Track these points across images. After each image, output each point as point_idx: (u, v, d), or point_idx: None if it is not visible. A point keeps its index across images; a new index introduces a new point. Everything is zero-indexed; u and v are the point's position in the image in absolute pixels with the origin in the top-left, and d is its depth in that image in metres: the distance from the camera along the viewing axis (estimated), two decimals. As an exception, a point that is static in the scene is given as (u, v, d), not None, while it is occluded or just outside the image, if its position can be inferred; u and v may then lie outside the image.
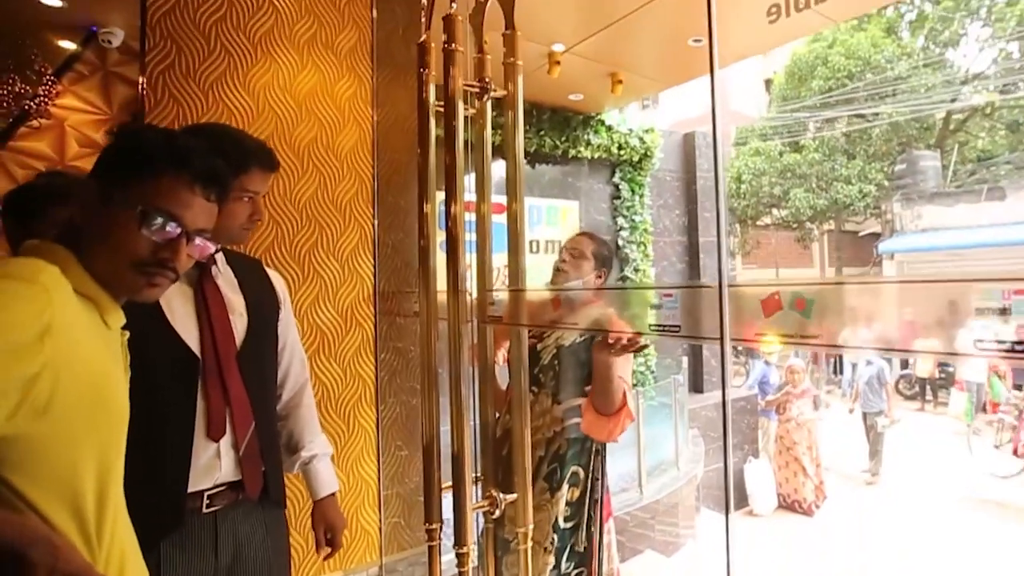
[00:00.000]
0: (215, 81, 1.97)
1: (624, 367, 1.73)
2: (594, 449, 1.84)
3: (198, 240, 0.90)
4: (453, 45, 1.53)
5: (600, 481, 1.85)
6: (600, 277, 1.88)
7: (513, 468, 1.58)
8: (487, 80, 1.56)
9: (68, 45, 2.07)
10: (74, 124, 2.04)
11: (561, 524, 1.78)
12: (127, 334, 0.92)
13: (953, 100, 13.66)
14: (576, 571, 1.81)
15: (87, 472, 0.77)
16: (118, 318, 0.88)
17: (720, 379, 5.93)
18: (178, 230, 0.87)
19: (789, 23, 3.15)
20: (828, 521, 5.17)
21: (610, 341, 1.46)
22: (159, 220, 0.85)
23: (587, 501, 1.82)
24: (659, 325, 1.18)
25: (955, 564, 3.99)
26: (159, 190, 0.86)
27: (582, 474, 1.81)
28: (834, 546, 4.63)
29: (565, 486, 1.79)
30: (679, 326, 1.15)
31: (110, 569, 0.81)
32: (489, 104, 1.62)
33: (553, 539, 1.77)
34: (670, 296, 1.17)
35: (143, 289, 0.87)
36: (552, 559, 1.76)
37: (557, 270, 1.88)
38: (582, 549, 1.82)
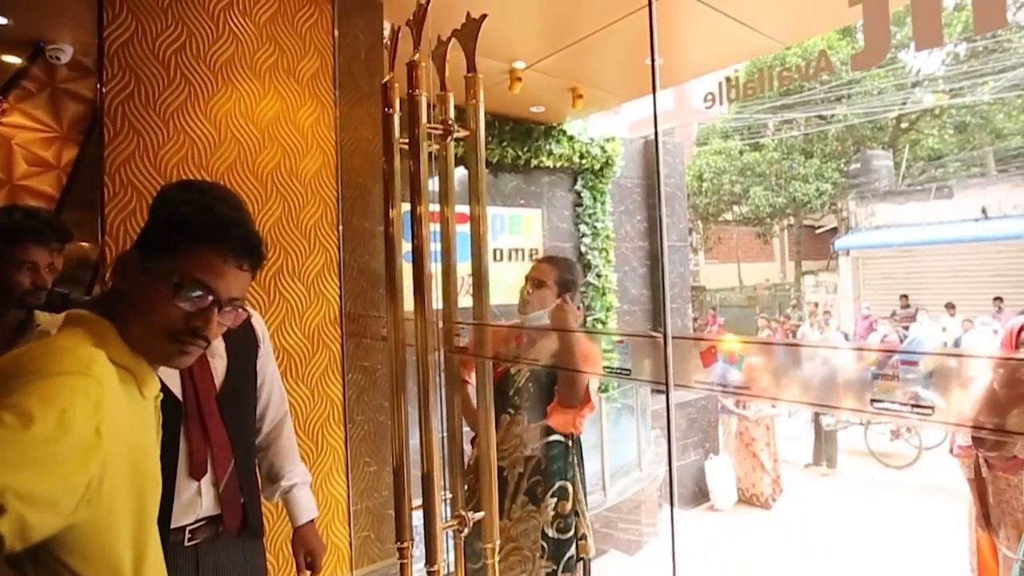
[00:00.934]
0: (176, 110, 1.97)
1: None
2: (576, 462, 1.96)
3: (229, 308, 0.93)
4: (417, 91, 1.59)
5: (584, 492, 1.98)
6: (565, 303, 1.96)
7: (481, 486, 1.67)
8: (450, 123, 1.63)
9: (14, 60, 2.04)
10: (22, 142, 2.02)
11: (551, 534, 1.88)
12: (161, 397, 0.96)
13: (904, 102, 14.15)
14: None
15: (126, 539, 0.82)
16: (154, 386, 0.91)
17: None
18: (210, 299, 0.89)
19: (745, 42, 3.28)
20: (785, 513, 5.39)
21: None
22: (194, 291, 0.87)
23: (581, 512, 1.94)
24: (611, 367, 1.28)
25: (903, 547, 4.21)
26: (193, 261, 0.88)
27: (569, 488, 1.91)
28: (791, 536, 4.84)
29: (552, 499, 1.89)
30: (629, 370, 1.25)
31: None
32: (452, 142, 1.68)
33: (543, 547, 1.86)
34: (622, 343, 1.26)
35: (176, 357, 0.90)
36: (550, 564, 1.87)
37: (523, 301, 1.97)
38: (588, 556, 1.95)
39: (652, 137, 5.86)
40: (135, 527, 0.83)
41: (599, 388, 2.14)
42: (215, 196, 1.33)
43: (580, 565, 1.93)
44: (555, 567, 1.86)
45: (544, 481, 1.90)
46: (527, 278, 2.02)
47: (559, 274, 1.97)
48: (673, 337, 1.09)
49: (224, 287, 0.91)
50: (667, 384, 1.10)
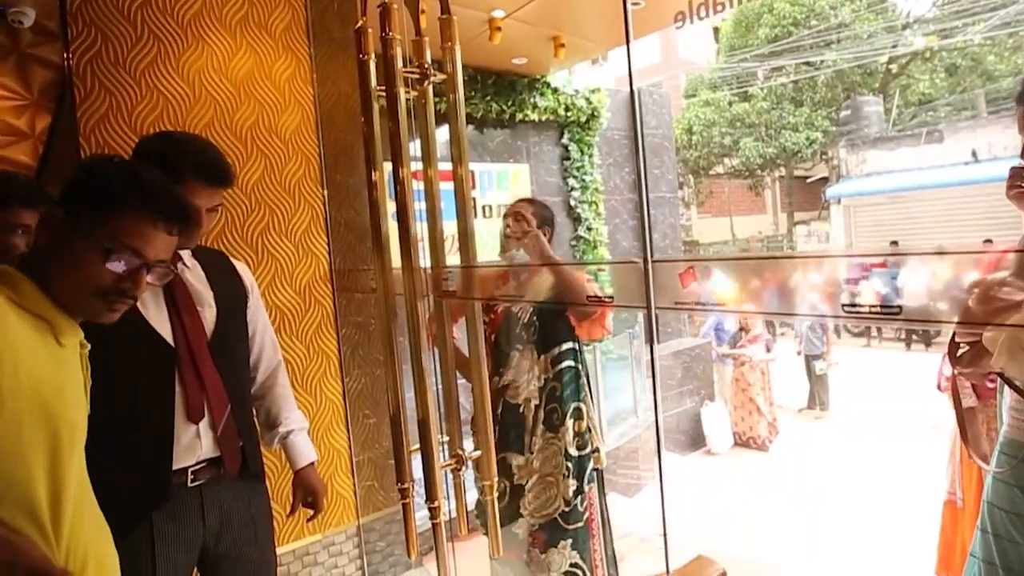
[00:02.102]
0: (146, 68, 1.94)
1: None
2: (587, 385, 2.07)
3: (158, 269, 0.97)
4: (390, 33, 1.56)
5: (595, 409, 2.09)
6: (545, 235, 2.03)
7: (477, 427, 1.71)
8: (426, 66, 1.61)
9: (-28, 27, 1.99)
10: (-8, 111, 1.99)
11: (574, 453, 1.98)
12: (87, 347, 0.98)
13: (894, 46, 13.95)
14: (596, 490, 2.07)
15: (38, 479, 0.84)
16: (73, 335, 0.94)
17: (675, 330, 6.16)
18: (139, 262, 0.93)
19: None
20: (781, 456, 5.51)
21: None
22: (123, 255, 0.91)
23: (593, 428, 2.05)
24: (595, 296, 1.30)
25: (895, 482, 4.33)
26: (123, 226, 0.91)
27: (583, 408, 2.02)
28: (787, 477, 4.96)
29: (569, 421, 1.98)
30: (612, 297, 1.27)
31: (71, 562, 0.88)
32: (430, 86, 1.66)
33: (568, 467, 1.96)
34: (603, 271, 1.28)
35: (103, 314, 0.93)
36: (574, 482, 1.97)
37: (506, 237, 2.01)
38: (601, 467, 2.08)
39: (638, 88, 5.78)
40: (49, 465, 0.85)
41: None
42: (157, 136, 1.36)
43: (596, 475, 2.06)
44: (579, 483, 1.97)
45: (560, 407, 1.99)
46: (506, 216, 2.09)
47: (536, 208, 2.06)
48: (653, 261, 1.11)
49: (153, 251, 0.95)
50: (648, 307, 1.12)
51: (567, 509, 1.97)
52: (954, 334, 1.38)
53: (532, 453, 2.00)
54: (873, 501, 4.14)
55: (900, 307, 0.78)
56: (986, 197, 11.36)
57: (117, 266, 0.91)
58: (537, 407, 2.01)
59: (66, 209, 0.91)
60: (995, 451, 1.41)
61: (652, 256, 1.12)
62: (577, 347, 2.04)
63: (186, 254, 1.39)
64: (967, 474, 2.38)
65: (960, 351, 1.39)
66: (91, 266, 0.89)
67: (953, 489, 2.43)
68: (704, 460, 5.54)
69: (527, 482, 2.01)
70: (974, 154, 11.52)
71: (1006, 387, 1.34)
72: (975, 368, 1.36)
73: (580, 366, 2.05)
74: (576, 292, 1.38)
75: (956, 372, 1.55)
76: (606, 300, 1.27)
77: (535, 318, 2.03)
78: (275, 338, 1.64)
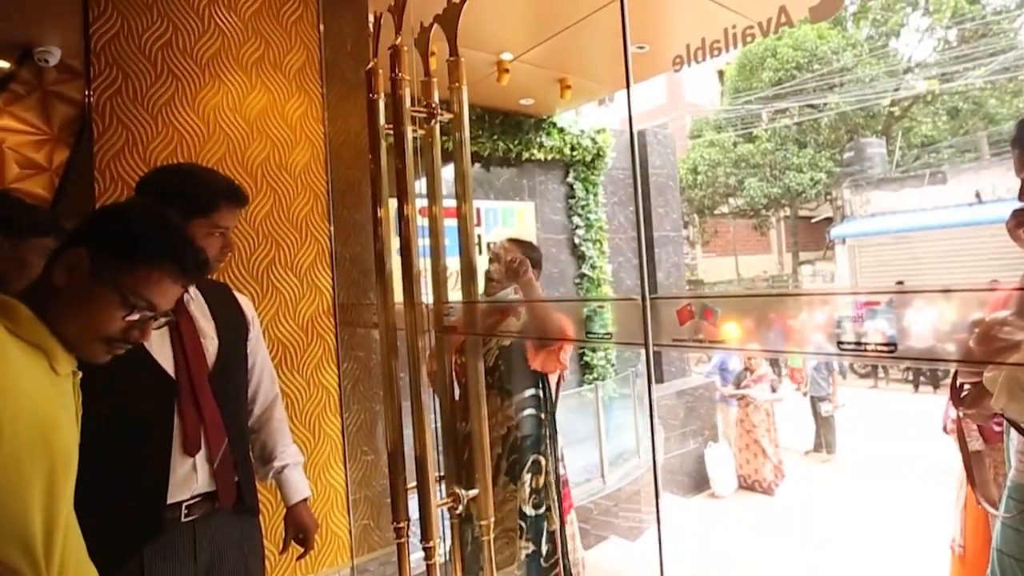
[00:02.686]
0: (164, 105, 2.00)
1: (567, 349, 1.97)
2: (548, 434, 1.98)
3: (163, 318, 1.00)
4: (399, 74, 1.61)
5: (559, 461, 2.00)
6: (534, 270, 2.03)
7: (474, 466, 1.69)
8: (434, 106, 1.65)
9: (2, 64, 2.06)
10: (13, 145, 2.04)
11: (528, 512, 1.91)
12: (79, 375, 0.99)
13: (896, 89, 14.19)
14: (546, 547, 1.95)
15: (34, 512, 0.84)
16: (68, 364, 0.94)
17: (679, 369, 6.12)
18: (151, 313, 0.95)
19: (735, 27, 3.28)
20: (787, 499, 5.40)
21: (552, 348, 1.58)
22: (143, 308, 0.93)
23: (552, 483, 1.96)
24: (594, 332, 1.31)
25: (902, 527, 4.23)
26: (148, 281, 0.94)
27: (543, 461, 1.95)
28: (793, 521, 4.85)
29: (527, 475, 1.92)
30: (611, 334, 1.28)
31: None
32: (438, 125, 1.71)
33: (522, 527, 1.89)
34: (603, 307, 1.29)
35: (101, 356, 0.95)
36: (529, 544, 1.90)
37: (489, 280, 2.01)
38: (553, 529, 1.97)
39: (643, 129, 5.89)
40: (45, 497, 0.85)
41: (594, 378, 2.21)
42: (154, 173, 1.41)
43: (556, 538, 1.96)
44: (535, 546, 1.89)
45: (520, 457, 1.93)
46: (492, 259, 2.08)
47: (524, 251, 2.04)
48: (651, 298, 1.12)
49: (167, 303, 0.98)
50: (646, 344, 1.12)
51: (519, 574, 1.90)
52: (955, 375, 1.38)
53: (494, 503, 1.90)
54: (880, 546, 4.04)
55: (895, 345, 0.78)
56: (991, 238, 11.36)
57: (132, 317, 0.93)
58: (500, 455, 1.94)
59: (91, 253, 0.92)
60: (1003, 496, 1.39)
61: (650, 293, 1.13)
62: (542, 394, 1.98)
63: (191, 286, 1.41)
64: (971, 521, 2.33)
65: (963, 392, 1.39)
66: (106, 314, 0.91)
67: (955, 536, 2.38)
68: (708, 503, 5.44)
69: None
70: (978, 195, 11.57)
71: (1012, 430, 1.33)
72: (978, 409, 1.36)
73: (543, 414, 1.98)
74: (568, 329, 1.39)
75: (960, 414, 1.54)
76: (604, 337, 1.28)
77: (499, 362, 1.98)
78: (273, 371, 1.65)
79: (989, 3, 13.67)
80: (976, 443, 2.22)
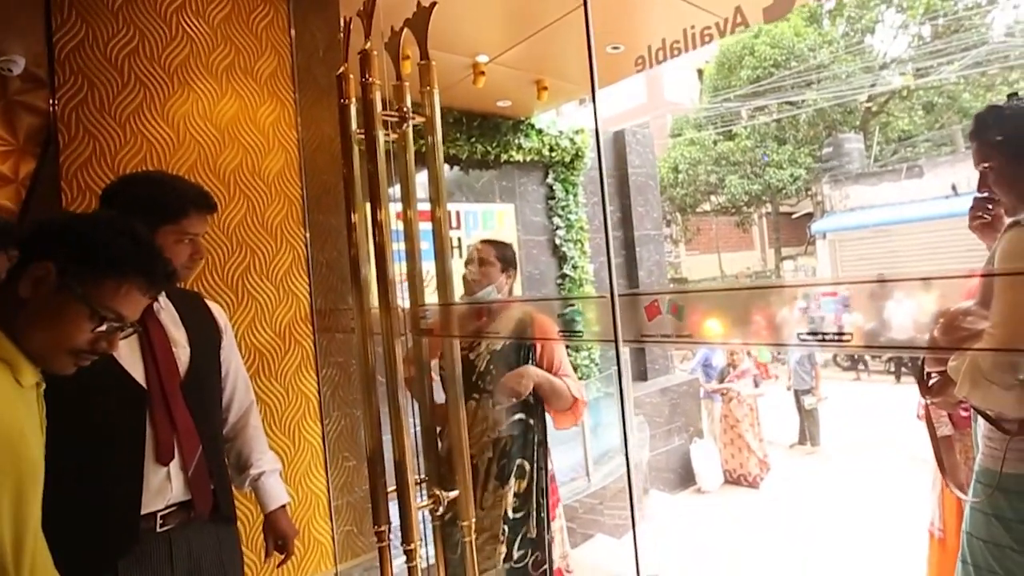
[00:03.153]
0: (132, 114, 1.98)
1: (561, 364, 1.98)
2: (536, 440, 1.98)
3: (130, 328, 1.00)
4: (370, 79, 1.61)
5: (544, 470, 1.99)
6: (510, 277, 2.05)
7: (453, 468, 1.69)
8: (405, 110, 1.65)
9: (-36, 75, 2.03)
10: (-24, 157, 2.01)
11: (510, 515, 1.90)
12: (43, 385, 0.98)
13: (873, 85, 14.38)
14: (531, 557, 1.94)
15: (3, 524, 0.83)
16: (32, 376, 0.94)
17: (663, 367, 6.15)
18: (119, 325, 0.95)
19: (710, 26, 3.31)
20: (772, 492, 5.45)
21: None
22: (113, 322, 0.93)
23: (535, 490, 1.95)
24: (565, 330, 1.31)
25: (886, 514, 4.28)
26: (116, 293, 0.94)
27: (527, 466, 1.95)
28: (779, 514, 4.90)
29: (512, 479, 1.91)
30: (581, 331, 1.28)
31: None
32: (410, 129, 1.70)
33: (504, 530, 1.89)
34: (572, 306, 1.30)
35: (67, 368, 0.95)
36: (504, 548, 1.88)
37: (467, 281, 2.02)
38: (533, 536, 1.95)
39: (622, 128, 5.91)
40: (13, 509, 0.85)
41: (579, 377, 2.23)
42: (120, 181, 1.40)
43: (538, 545, 1.95)
44: (509, 550, 1.89)
45: (508, 462, 1.93)
46: (469, 261, 2.08)
47: (499, 252, 2.06)
48: (620, 295, 1.12)
49: (135, 314, 0.99)
50: (616, 340, 1.13)
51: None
52: (923, 364, 1.40)
53: (483, 510, 1.92)
54: (864, 535, 4.09)
55: (851, 334, 0.79)
56: (967, 230, 11.55)
57: (100, 329, 0.92)
58: (490, 460, 1.94)
59: (58, 266, 0.91)
60: (972, 481, 1.42)
61: (632, 291, 1.14)
62: (532, 399, 1.98)
63: (162, 295, 1.39)
64: (947, 504, 2.36)
65: (931, 381, 1.41)
66: (74, 326, 0.91)
67: (933, 520, 2.41)
68: (694, 498, 5.47)
69: (478, 539, 1.91)
70: (954, 188, 11.75)
71: (979, 416, 1.36)
72: (944, 397, 1.38)
73: (532, 421, 1.98)
74: (551, 333, 1.39)
75: (928, 402, 1.56)
76: (575, 334, 1.29)
77: (491, 367, 1.98)
78: (248, 379, 1.64)
79: (961, -1, 13.94)
80: (946, 428, 2.25)
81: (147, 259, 0.98)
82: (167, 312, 1.39)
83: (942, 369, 1.32)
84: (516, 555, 1.90)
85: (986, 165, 1.36)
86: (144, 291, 0.98)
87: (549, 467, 2.04)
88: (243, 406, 1.58)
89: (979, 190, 1.42)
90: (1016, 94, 1.36)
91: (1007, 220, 1.32)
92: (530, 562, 1.91)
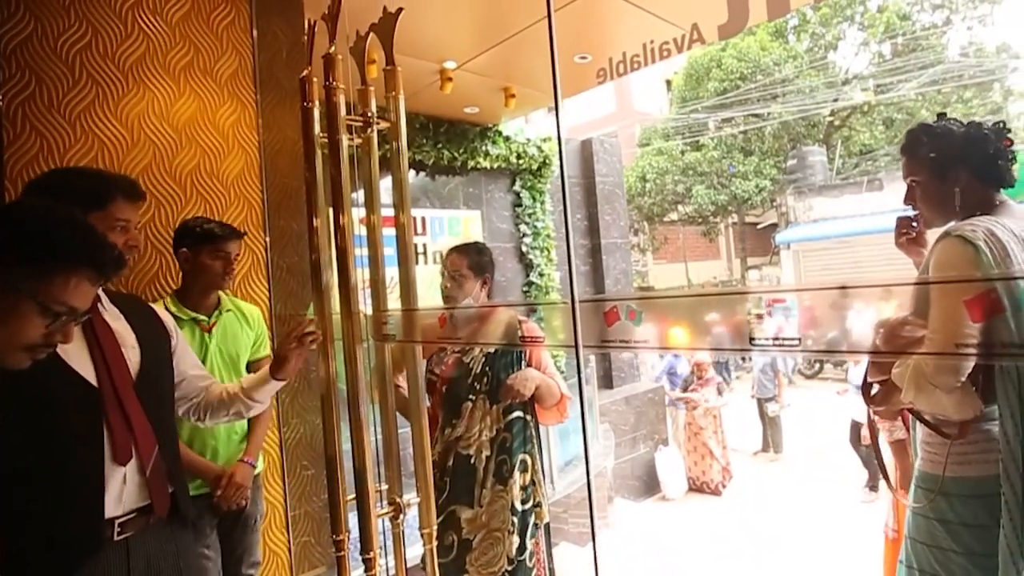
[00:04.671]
0: (83, 112, 1.92)
1: (547, 365, 2.06)
2: (535, 435, 2.07)
3: (81, 318, 0.98)
4: (333, 83, 1.58)
5: (541, 463, 2.09)
6: (485, 284, 2.05)
7: (416, 474, 1.67)
8: (370, 115, 1.63)
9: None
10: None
11: (518, 507, 1.96)
12: None
13: (836, 99, 14.81)
14: (544, 543, 2.06)
15: None
16: None
17: (629, 375, 6.20)
18: (71, 317, 0.93)
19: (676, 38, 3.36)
20: (735, 499, 5.52)
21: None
22: (63, 314, 0.90)
23: (537, 481, 2.03)
24: (527, 336, 1.31)
25: (846, 518, 4.37)
26: (66, 286, 0.90)
27: (529, 460, 2.02)
28: (741, 520, 4.95)
29: (516, 473, 1.98)
30: (543, 337, 1.28)
31: None
32: (375, 134, 1.68)
33: (513, 522, 1.94)
34: (534, 311, 1.30)
35: (22, 364, 0.92)
36: (517, 539, 1.94)
37: (445, 296, 2.02)
38: (543, 523, 2.05)
39: (589, 137, 5.95)
40: None
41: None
42: (33, 184, 1.35)
43: (540, 531, 2.03)
44: (522, 539, 1.95)
45: (509, 458, 1.98)
46: (442, 273, 2.08)
47: (471, 260, 2.04)
48: (580, 301, 1.12)
49: (87, 304, 0.97)
50: (576, 346, 1.13)
51: (509, 568, 1.94)
52: (866, 374, 1.43)
53: (482, 507, 1.97)
54: (825, 540, 4.16)
55: (799, 339, 0.81)
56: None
57: (52, 322, 0.90)
58: (488, 458, 1.98)
59: (1, 266, 0.88)
60: (912, 486, 1.45)
61: (577, 298, 1.14)
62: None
63: (104, 298, 1.34)
64: (901, 506, 2.43)
65: (873, 391, 1.45)
66: (27, 323, 0.88)
67: (887, 521, 2.48)
68: (658, 506, 5.51)
69: (475, 537, 1.96)
70: (911, 202, 12.14)
71: (918, 422, 1.39)
72: (887, 406, 1.42)
73: (529, 416, 2.05)
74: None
75: (871, 412, 1.61)
76: (539, 340, 1.28)
77: (487, 368, 2.02)
78: (205, 373, 1.61)
79: (918, 20, 14.44)
80: (899, 432, 2.32)
81: (94, 247, 0.94)
82: (111, 313, 1.34)
83: (884, 378, 1.36)
84: (528, 544, 1.97)
85: (914, 179, 1.43)
86: (94, 281, 0.95)
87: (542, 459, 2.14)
88: (204, 383, 1.56)
89: (905, 202, 1.49)
90: (945, 114, 1.43)
91: (929, 234, 1.39)
92: (529, 548, 1.99)
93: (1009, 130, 1.35)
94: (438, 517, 1.92)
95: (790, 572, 3.81)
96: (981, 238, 1.18)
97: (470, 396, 2.01)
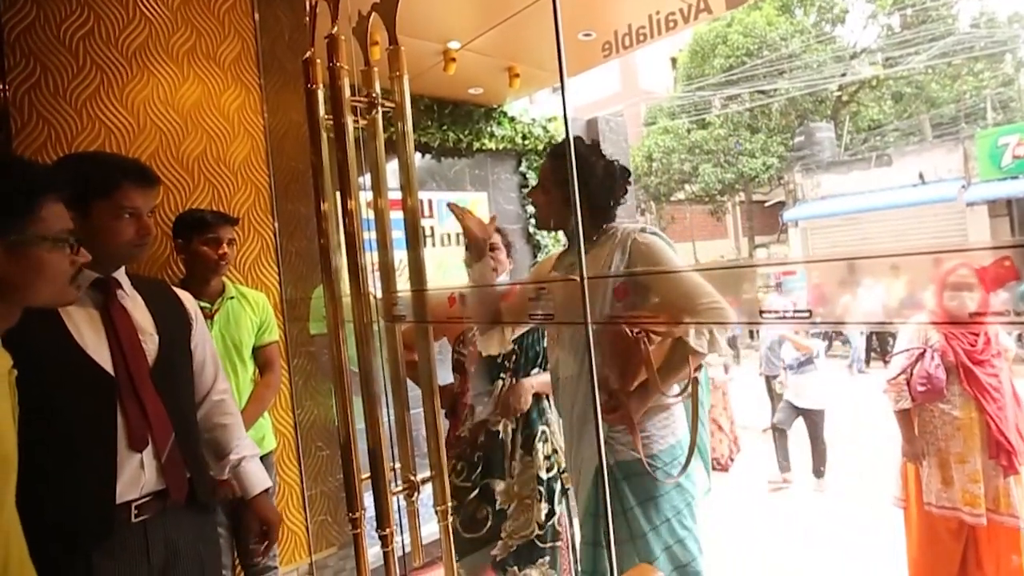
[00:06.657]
0: (88, 99, 1.92)
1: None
2: (548, 409, 2.13)
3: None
4: (337, 63, 1.58)
5: (557, 431, 2.14)
6: (511, 260, 2.20)
7: (429, 451, 1.69)
8: (374, 96, 1.62)
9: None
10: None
11: (543, 476, 2.04)
12: (15, 373, 0.96)
13: (843, 74, 14.59)
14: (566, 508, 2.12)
15: None
16: (5, 362, 0.93)
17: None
18: (74, 239, 1.01)
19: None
20: (743, 473, 5.54)
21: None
22: (67, 240, 0.99)
23: (558, 449, 2.10)
24: (537, 313, 1.31)
25: (860, 490, 4.39)
26: (52, 215, 0.97)
27: (547, 430, 2.09)
28: (750, 495, 4.98)
29: (539, 443, 2.06)
30: (552, 314, 1.28)
31: None
32: (380, 114, 1.68)
33: (540, 491, 2.03)
34: (544, 289, 1.29)
35: (78, 295, 1.05)
36: (546, 505, 2.03)
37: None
38: (566, 488, 2.11)
39: (594, 117, 5.90)
40: None
41: None
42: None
43: (567, 496, 2.09)
44: (551, 505, 2.03)
45: (532, 430, 2.07)
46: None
47: (504, 236, 2.20)
48: (588, 278, 1.13)
49: (67, 222, 1.03)
50: (586, 322, 1.13)
51: (540, 532, 2.02)
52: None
53: (512, 478, 2.05)
54: (838, 516, 4.18)
55: (810, 311, 0.81)
56: (934, 217, 11.84)
57: (68, 249, 1.00)
58: (514, 431, 2.06)
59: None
60: None
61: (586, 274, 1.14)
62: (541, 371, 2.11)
63: (126, 284, 1.36)
64: (908, 475, 2.45)
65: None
66: (51, 263, 0.97)
67: (896, 491, 2.50)
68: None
69: (509, 507, 2.05)
70: (921, 176, 12.01)
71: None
72: None
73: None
74: None
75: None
76: (547, 317, 1.28)
77: (515, 346, 2.07)
78: (221, 365, 1.61)
79: (927, -10, 14.19)
80: (904, 402, 2.33)
81: (57, 177, 1.03)
82: (133, 301, 1.36)
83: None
84: (557, 509, 2.05)
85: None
86: (56, 200, 1.00)
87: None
88: (218, 393, 1.56)
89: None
90: (581, 137, 1.53)
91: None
92: (558, 513, 2.07)
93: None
94: (473, 491, 2.05)
95: (799, 548, 3.84)
96: None
97: (501, 375, 2.09)
